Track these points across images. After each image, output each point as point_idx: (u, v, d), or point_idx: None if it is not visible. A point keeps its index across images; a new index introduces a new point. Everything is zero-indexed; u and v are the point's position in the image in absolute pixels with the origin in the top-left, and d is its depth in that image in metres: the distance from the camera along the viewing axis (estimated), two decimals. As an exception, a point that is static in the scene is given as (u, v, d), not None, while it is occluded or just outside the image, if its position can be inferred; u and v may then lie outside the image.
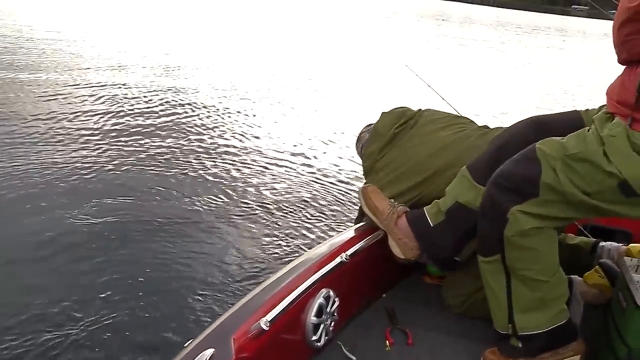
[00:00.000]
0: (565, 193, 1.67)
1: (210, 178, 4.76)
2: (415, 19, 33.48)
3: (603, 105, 1.88)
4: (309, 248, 2.43)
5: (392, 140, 2.32)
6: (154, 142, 5.47)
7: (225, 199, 4.37)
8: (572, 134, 1.76)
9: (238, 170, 5.01)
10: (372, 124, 2.47)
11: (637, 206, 1.64)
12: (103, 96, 6.92)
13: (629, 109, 1.64)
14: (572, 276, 1.96)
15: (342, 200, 4.55)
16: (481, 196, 1.90)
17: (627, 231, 2.54)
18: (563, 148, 1.70)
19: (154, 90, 7.53)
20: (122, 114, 6.29)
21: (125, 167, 4.79)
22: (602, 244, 2.26)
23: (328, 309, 1.83)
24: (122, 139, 5.47)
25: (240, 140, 5.88)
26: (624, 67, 1.75)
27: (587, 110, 2.03)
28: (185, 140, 5.64)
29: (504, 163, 1.82)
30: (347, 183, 4.92)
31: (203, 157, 5.26)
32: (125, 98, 6.96)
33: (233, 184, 4.67)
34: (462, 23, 35.37)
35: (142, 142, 5.44)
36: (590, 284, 2.08)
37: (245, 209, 4.25)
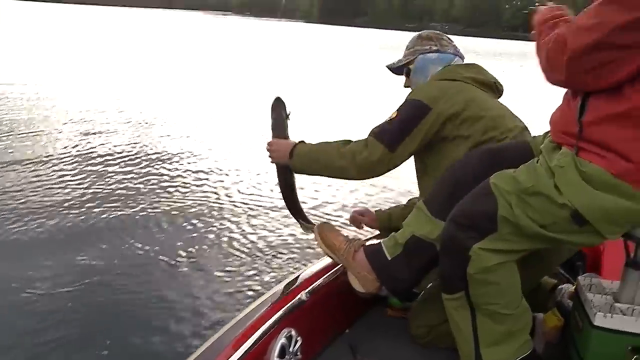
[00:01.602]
0: (522, 227, 1.69)
1: (171, 222, 4.73)
2: (377, 50, 33.96)
3: (548, 132, 1.91)
4: (269, 288, 2.42)
5: None
6: (122, 188, 5.45)
7: (185, 244, 4.31)
8: (523, 167, 1.78)
9: (200, 213, 4.97)
10: None
11: (591, 234, 1.66)
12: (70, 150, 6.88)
13: (574, 139, 1.67)
14: (534, 314, 1.99)
15: (302, 239, 4.52)
16: (438, 229, 1.93)
17: (583, 253, 2.58)
18: (516, 182, 1.72)
19: (123, 144, 7.49)
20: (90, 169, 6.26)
21: (84, 211, 4.79)
22: (561, 286, 2.29)
23: (291, 349, 1.82)
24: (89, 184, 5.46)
25: (203, 184, 5.86)
26: (564, 95, 1.79)
27: (534, 137, 2.07)
28: (155, 188, 5.62)
29: (460, 199, 1.85)
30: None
31: (165, 199, 5.27)
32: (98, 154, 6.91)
33: (194, 230, 4.62)
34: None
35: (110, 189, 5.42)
36: (550, 327, 2.09)
37: (207, 252, 4.21)
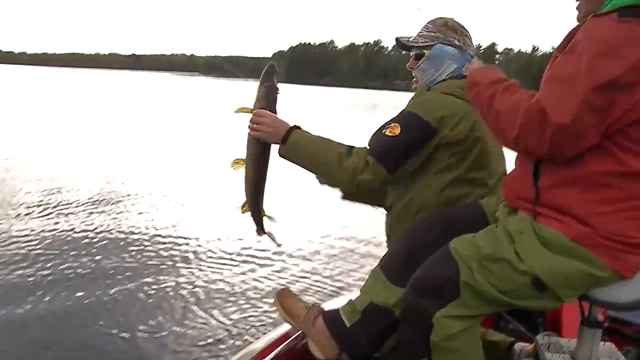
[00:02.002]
0: (483, 292, 1.69)
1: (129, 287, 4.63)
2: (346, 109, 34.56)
3: (501, 196, 1.93)
4: (228, 358, 2.37)
5: None
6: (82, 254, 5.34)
7: (141, 313, 4.19)
8: (483, 232, 1.79)
9: (157, 275, 4.88)
10: None
11: (550, 299, 1.68)
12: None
13: (530, 204, 1.70)
14: None
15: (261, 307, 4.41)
16: (395, 296, 1.93)
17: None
18: (477, 248, 1.73)
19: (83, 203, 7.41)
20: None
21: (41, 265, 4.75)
22: (517, 344, 2.28)
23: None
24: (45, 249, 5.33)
25: (167, 242, 5.81)
26: (516, 159, 1.81)
27: (487, 200, 2.08)
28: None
29: (415, 264, 1.84)
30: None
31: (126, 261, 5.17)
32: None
33: (150, 297, 4.50)
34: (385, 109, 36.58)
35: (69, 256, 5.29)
36: None
37: (163, 319, 4.09)
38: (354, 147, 2.19)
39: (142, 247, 5.59)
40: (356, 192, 2.28)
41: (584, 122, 1.53)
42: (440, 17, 2.42)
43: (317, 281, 4.80)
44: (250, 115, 2.28)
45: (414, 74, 2.42)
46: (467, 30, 2.40)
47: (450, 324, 1.71)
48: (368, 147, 2.16)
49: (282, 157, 2.24)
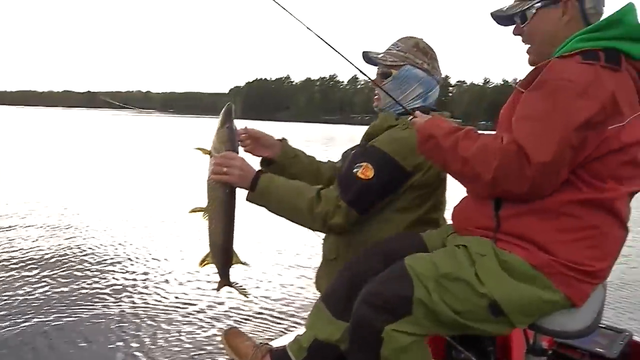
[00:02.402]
0: (437, 312, 1.70)
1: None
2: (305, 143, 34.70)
3: (447, 227, 2.00)
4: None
5: None
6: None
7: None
8: (440, 252, 1.82)
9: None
10: None
11: (503, 324, 1.70)
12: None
13: (491, 232, 1.74)
14: None
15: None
16: (339, 330, 1.94)
17: (494, 337, 2.64)
18: (435, 267, 1.74)
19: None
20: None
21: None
22: None
23: None
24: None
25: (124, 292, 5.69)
26: (468, 191, 1.86)
27: (429, 232, 2.08)
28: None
29: (369, 285, 1.81)
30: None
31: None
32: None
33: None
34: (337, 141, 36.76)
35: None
36: None
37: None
38: (322, 189, 2.14)
39: (93, 273, 5.54)
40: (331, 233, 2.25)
41: (564, 160, 1.60)
42: (412, 37, 2.38)
43: (271, 317, 4.77)
44: (208, 158, 2.18)
45: (376, 91, 2.40)
46: (435, 53, 2.36)
47: (400, 338, 1.72)
48: (339, 190, 2.11)
49: (250, 202, 2.17)
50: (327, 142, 40.32)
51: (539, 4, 1.88)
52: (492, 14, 2.04)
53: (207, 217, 2.19)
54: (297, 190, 2.14)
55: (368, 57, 2.38)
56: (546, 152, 1.58)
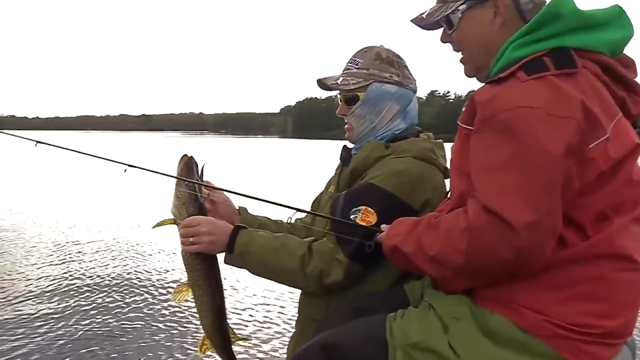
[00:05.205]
0: None
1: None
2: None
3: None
4: None
5: None
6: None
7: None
8: (413, 312, 1.54)
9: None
10: None
11: None
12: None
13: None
14: None
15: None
16: None
17: None
18: (403, 334, 1.47)
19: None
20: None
21: None
22: None
23: None
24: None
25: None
26: None
27: (411, 283, 1.78)
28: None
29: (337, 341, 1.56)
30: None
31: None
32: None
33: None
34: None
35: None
36: None
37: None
38: (313, 242, 1.86)
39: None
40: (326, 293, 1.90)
41: (556, 208, 1.28)
42: (370, 47, 2.03)
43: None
44: (175, 227, 1.89)
45: (346, 120, 2.07)
46: (403, 60, 2.04)
47: None
48: (336, 241, 1.81)
49: (229, 265, 1.90)
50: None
51: (463, 6, 1.54)
52: (412, 21, 1.69)
53: (191, 295, 1.92)
54: (283, 247, 1.83)
55: (325, 85, 2.06)
56: (531, 208, 1.25)
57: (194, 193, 1.85)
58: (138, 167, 2.07)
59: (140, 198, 11.99)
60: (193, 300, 1.92)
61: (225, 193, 2.09)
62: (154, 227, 1.92)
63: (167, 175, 1.94)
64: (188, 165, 1.88)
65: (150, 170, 2.04)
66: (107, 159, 2.18)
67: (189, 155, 1.90)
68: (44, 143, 2.29)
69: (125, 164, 2.03)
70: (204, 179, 1.96)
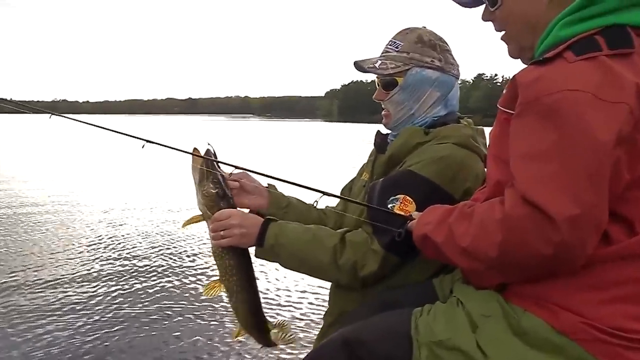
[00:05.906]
0: None
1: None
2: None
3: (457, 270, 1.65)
4: None
5: None
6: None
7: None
8: (440, 307, 1.50)
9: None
10: None
11: None
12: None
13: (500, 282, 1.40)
14: None
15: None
16: None
17: None
18: (430, 331, 1.43)
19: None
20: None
21: None
22: None
23: None
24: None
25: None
26: None
27: (440, 277, 1.76)
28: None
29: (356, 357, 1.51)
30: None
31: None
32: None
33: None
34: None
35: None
36: None
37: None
38: (347, 233, 1.84)
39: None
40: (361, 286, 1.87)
41: (602, 201, 1.21)
42: (412, 29, 1.98)
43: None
44: (204, 224, 1.93)
45: (383, 106, 2.01)
46: (446, 43, 1.98)
47: None
48: (371, 231, 1.79)
49: (261, 259, 1.91)
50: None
51: None
52: None
53: (224, 290, 1.94)
54: (315, 239, 1.84)
55: (362, 68, 1.99)
56: (574, 200, 1.18)
57: (221, 189, 1.87)
58: (154, 142, 2.08)
59: (175, 178, 12.05)
60: (227, 296, 1.95)
61: (252, 175, 2.08)
62: (183, 225, 1.95)
63: (193, 155, 1.93)
64: (209, 161, 1.87)
65: (169, 147, 2.07)
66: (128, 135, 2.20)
67: (206, 148, 1.88)
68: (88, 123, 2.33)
69: (143, 140, 2.05)
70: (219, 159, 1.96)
